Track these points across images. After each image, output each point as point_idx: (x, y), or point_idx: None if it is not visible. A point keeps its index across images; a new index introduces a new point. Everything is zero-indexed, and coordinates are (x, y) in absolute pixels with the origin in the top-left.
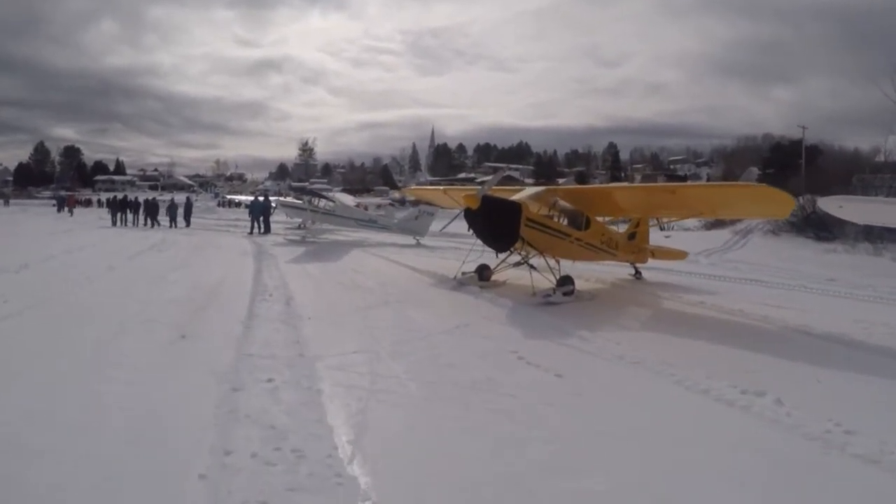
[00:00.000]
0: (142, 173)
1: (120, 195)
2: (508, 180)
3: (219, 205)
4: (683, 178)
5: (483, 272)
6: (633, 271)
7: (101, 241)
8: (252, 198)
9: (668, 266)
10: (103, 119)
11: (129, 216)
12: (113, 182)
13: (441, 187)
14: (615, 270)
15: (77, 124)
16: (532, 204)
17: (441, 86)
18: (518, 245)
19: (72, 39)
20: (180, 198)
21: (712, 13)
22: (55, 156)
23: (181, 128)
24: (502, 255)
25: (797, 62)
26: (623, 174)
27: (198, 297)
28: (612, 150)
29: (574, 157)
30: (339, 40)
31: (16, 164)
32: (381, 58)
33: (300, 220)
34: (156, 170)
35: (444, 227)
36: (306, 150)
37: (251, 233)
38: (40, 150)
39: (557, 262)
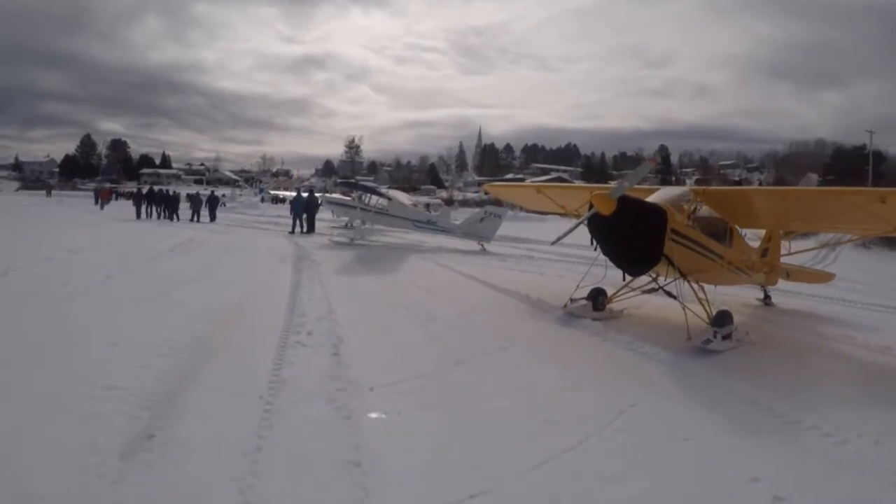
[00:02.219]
0: (188, 167)
1: (145, 188)
2: (559, 181)
3: (262, 200)
4: (738, 183)
5: (598, 298)
6: (761, 295)
7: (118, 239)
8: (294, 193)
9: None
10: (150, 114)
11: (154, 210)
12: (158, 175)
13: (533, 183)
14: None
15: (124, 118)
16: (674, 210)
17: (485, 85)
18: (660, 267)
19: (118, 35)
20: (207, 192)
21: (759, 13)
22: (102, 149)
23: (226, 123)
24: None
25: (847, 65)
26: (674, 178)
27: (199, 337)
28: (664, 152)
29: (622, 160)
30: (382, 37)
31: (63, 156)
32: (425, 55)
33: (347, 218)
34: (202, 164)
35: (559, 238)
36: (353, 147)
37: (293, 232)
38: (87, 143)
39: (702, 288)
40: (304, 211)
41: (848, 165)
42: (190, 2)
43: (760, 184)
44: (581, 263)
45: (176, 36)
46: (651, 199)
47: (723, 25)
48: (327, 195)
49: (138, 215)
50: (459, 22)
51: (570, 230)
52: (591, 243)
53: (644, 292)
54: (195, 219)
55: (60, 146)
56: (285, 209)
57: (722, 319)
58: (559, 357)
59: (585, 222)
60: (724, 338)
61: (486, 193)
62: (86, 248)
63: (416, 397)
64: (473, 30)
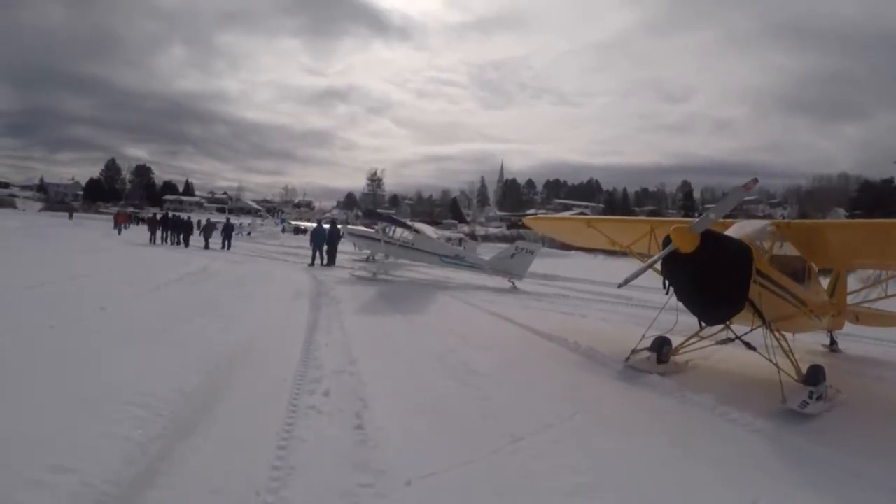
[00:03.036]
0: (210, 195)
1: (160, 213)
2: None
3: (283, 231)
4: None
5: (663, 349)
6: (826, 340)
7: (127, 265)
8: (315, 224)
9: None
10: (174, 141)
11: (168, 235)
12: (181, 202)
13: (581, 216)
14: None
15: (149, 145)
16: (756, 248)
17: (505, 120)
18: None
19: (144, 62)
20: (221, 219)
21: (777, 45)
22: (126, 174)
23: (249, 153)
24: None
25: (866, 96)
26: (697, 213)
27: (189, 394)
28: (686, 188)
29: (644, 195)
30: (404, 71)
31: (87, 179)
32: (446, 89)
33: (369, 251)
34: (225, 193)
35: (628, 281)
36: (375, 180)
37: (312, 264)
38: (111, 168)
39: (784, 337)
40: (326, 242)
41: (876, 199)
42: (215, 32)
43: (783, 219)
44: (621, 303)
45: (201, 65)
46: (728, 234)
47: (740, 58)
48: (349, 227)
49: (152, 240)
50: (479, 56)
51: (643, 270)
52: (664, 285)
53: (718, 343)
54: (207, 246)
55: (85, 170)
56: (306, 240)
57: (815, 376)
58: (637, 428)
59: (659, 262)
60: (818, 398)
61: (521, 227)
62: (88, 274)
63: (471, 493)
64: (493, 64)
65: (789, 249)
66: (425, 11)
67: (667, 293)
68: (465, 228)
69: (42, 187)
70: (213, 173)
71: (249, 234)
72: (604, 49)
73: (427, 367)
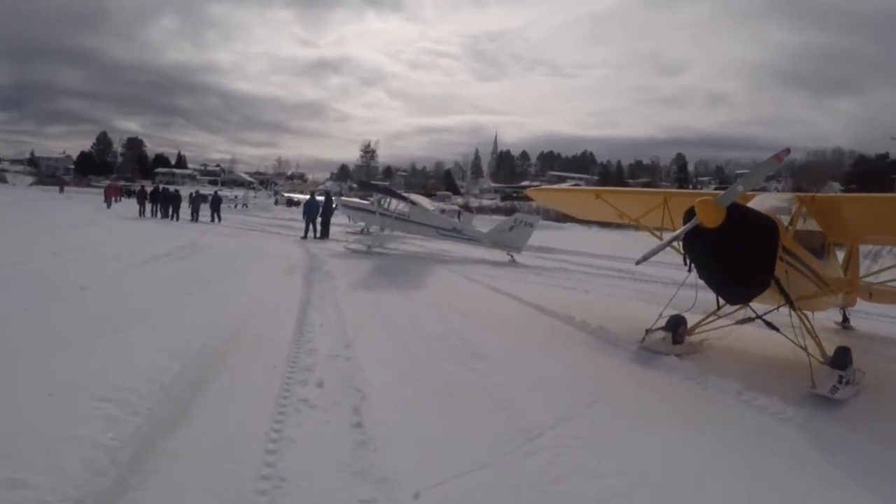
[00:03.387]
0: (203, 168)
1: (150, 186)
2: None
3: (276, 203)
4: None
5: (677, 329)
6: (839, 317)
7: (114, 240)
8: (308, 196)
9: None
10: (166, 113)
11: (158, 208)
12: (173, 175)
13: (588, 188)
14: None
15: (141, 117)
16: (781, 223)
17: (499, 91)
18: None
19: (134, 34)
20: (210, 191)
21: (774, 19)
22: (117, 147)
23: (241, 125)
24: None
25: (863, 72)
26: (691, 187)
27: (168, 386)
28: (680, 161)
29: (638, 168)
30: (397, 42)
31: (79, 153)
32: (439, 61)
33: (363, 224)
34: (217, 165)
35: (646, 257)
36: (368, 151)
37: (305, 237)
38: (102, 141)
39: (804, 315)
40: (319, 215)
41: (871, 174)
42: (205, 3)
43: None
44: (623, 278)
45: (192, 36)
46: (752, 204)
47: (737, 32)
48: (343, 198)
49: (141, 213)
50: (473, 27)
51: (663, 246)
52: (685, 262)
53: (737, 322)
54: (195, 218)
55: (77, 143)
56: (299, 212)
57: (843, 359)
58: (662, 419)
59: (681, 237)
60: (846, 383)
61: (516, 198)
62: (73, 250)
63: None
64: (487, 35)
65: (810, 224)
66: None
67: (689, 270)
68: (460, 200)
69: (33, 161)
70: (206, 145)
71: (245, 206)
72: (600, 20)
73: (429, 350)
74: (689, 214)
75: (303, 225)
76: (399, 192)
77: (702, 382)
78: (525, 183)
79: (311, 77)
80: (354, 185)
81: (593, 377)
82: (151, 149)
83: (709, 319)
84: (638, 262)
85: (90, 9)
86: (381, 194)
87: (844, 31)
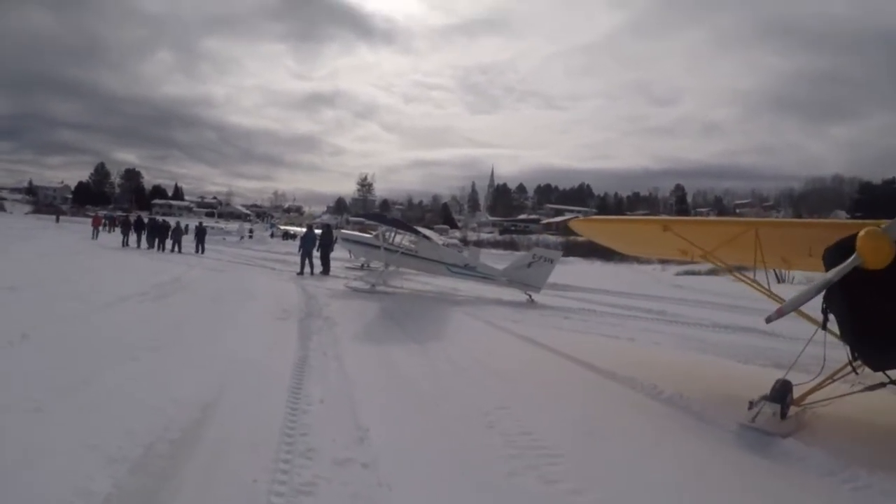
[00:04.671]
0: (200, 200)
1: (133, 216)
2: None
3: (272, 236)
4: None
5: (785, 399)
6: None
7: (89, 274)
8: (304, 230)
9: None
10: (163, 146)
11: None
12: (170, 206)
13: (654, 217)
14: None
15: (138, 149)
16: None
17: (492, 124)
18: None
19: (130, 67)
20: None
21: (767, 43)
22: (115, 178)
23: (237, 158)
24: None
25: (856, 96)
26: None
27: None
28: (679, 192)
29: (636, 200)
30: (389, 75)
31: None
32: (432, 93)
33: (364, 259)
34: (214, 197)
35: (782, 313)
36: (365, 185)
37: (301, 273)
38: (100, 171)
39: None
40: (317, 249)
41: (877, 201)
42: (200, 37)
43: None
44: (660, 320)
45: (187, 70)
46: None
47: (728, 59)
48: (344, 232)
49: (124, 243)
50: (465, 59)
51: (812, 294)
52: (823, 313)
53: (867, 389)
54: (177, 250)
55: (75, 173)
56: (294, 245)
57: None
58: None
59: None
60: None
61: (515, 232)
62: (34, 284)
63: None
64: (479, 67)
65: None
66: (409, 14)
67: (825, 323)
68: (457, 234)
69: (31, 190)
70: (202, 178)
71: (250, 236)
72: (590, 51)
73: (475, 444)
74: (841, 250)
75: (299, 259)
76: (409, 224)
77: (849, 481)
78: (523, 216)
79: (306, 110)
80: (349, 219)
81: (709, 483)
82: (149, 180)
83: (826, 384)
84: (770, 320)
85: (86, 43)
86: (389, 226)
87: (836, 53)
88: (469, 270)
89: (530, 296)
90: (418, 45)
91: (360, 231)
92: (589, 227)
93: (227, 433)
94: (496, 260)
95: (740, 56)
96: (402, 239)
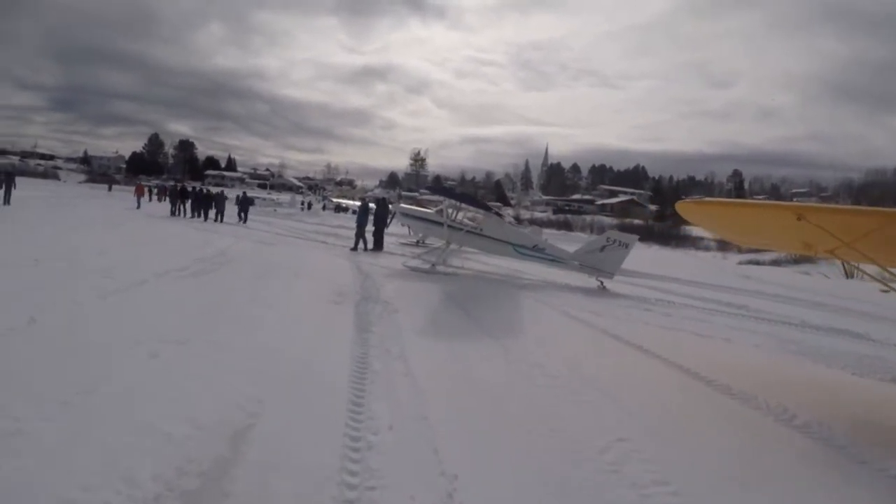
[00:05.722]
0: (253, 171)
1: (179, 185)
2: (632, 204)
3: (323, 208)
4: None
5: None
6: None
7: (127, 246)
8: (359, 203)
9: None
10: (216, 117)
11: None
12: (223, 177)
13: (785, 203)
14: None
15: (191, 121)
16: None
17: (545, 102)
18: None
19: (183, 39)
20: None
21: (826, 28)
22: (169, 148)
23: (289, 131)
24: None
25: None
26: None
27: None
28: (737, 178)
29: (691, 184)
30: (442, 50)
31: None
32: (485, 69)
33: (420, 235)
34: (267, 169)
35: None
36: (418, 160)
37: (355, 249)
38: (154, 142)
39: None
40: (373, 224)
41: None
42: (252, 9)
43: None
44: (744, 316)
45: (239, 42)
46: None
47: (787, 42)
48: (404, 206)
49: (173, 213)
50: (518, 35)
51: None
52: None
53: None
54: (219, 219)
55: (130, 144)
56: (347, 218)
57: None
58: None
59: None
60: None
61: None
62: (62, 257)
63: None
64: (532, 44)
65: None
66: None
67: None
68: (510, 212)
69: (86, 160)
70: (255, 150)
71: (309, 207)
72: (645, 31)
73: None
74: None
75: (351, 233)
76: (478, 199)
77: None
78: (576, 196)
79: (357, 84)
80: (401, 193)
81: None
82: (202, 151)
83: None
84: None
85: (140, 15)
86: (459, 202)
87: None
88: (537, 252)
89: (602, 282)
90: (470, 21)
91: (416, 205)
92: (700, 212)
93: (263, 482)
94: (551, 240)
95: (798, 40)
96: (464, 216)
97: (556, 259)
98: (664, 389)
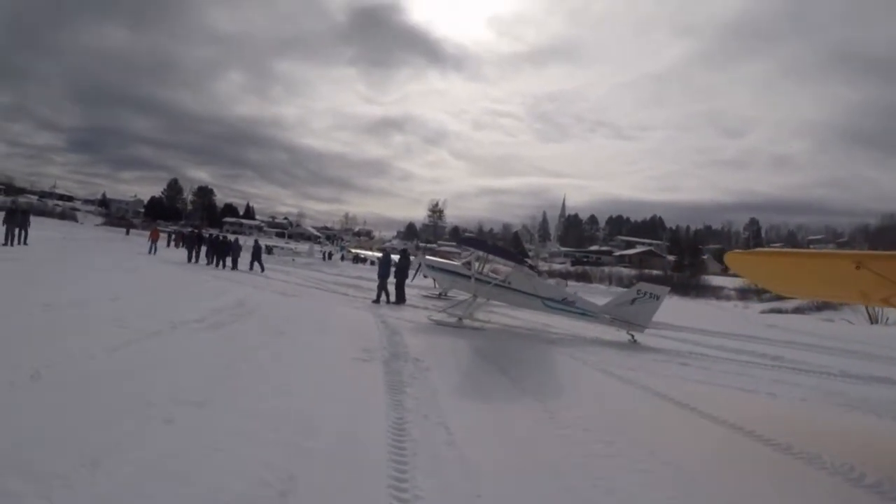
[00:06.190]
0: (271, 220)
1: (196, 231)
2: (650, 255)
3: (342, 259)
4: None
5: None
6: None
7: (142, 292)
8: (380, 254)
9: None
10: (235, 165)
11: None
12: (241, 225)
13: (842, 252)
14: None
15: (211, 168)
16: None
17: (562, 153)
18: None
19: (203, 86)
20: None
21: (837, 76)
22: (187, 194)
23: (308, 180)
24: None
25: None
26: None
27: None
28: (754, 226)
29: (707, 234)
30: (459, 101)
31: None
32: (502, 121)
33: (442, 288)
34: (285, 218)
35: None
36: (436, 211)
37: (377, 301)
38: (173, 187)
39: None
40: (394, 276)
41: None
42: (272, 59)
43: None
44: (779, 367)
45: (259, 91)
46: None
47: (799, 90)
48: (430, 258)
49: (189, 259)
50: (534, 87)
51: None
52: None
53: None
54: (220, 265)
55: (148, 188)
56: (366, 269)
57: None
58: None
59: None
60: None
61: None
62: (74, 304)
63: None
64: (548, 95)
65: None
66: (478, 41)
67: None
68: (529, 263)
69: (104, 202)
70: (273, 198)
71: (330, 256)
72: (659, 81)
73: None
74: None
75: (370, 284)
76: (509, 249)
77: None
78: (594, 247)
79: (375, 134)
80: (419, 245)
81: None
82: (221, 198)
83: None
84: None
85: (162, 60)
86: (483, 252)
87: None
88: (566, 305)
89: (633, 336)
90: (487, 72)
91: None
92: (751, 262)
93: None
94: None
95: (811, 87)
96: (489, 268)
97: (586, 313)
98: (721, 452)
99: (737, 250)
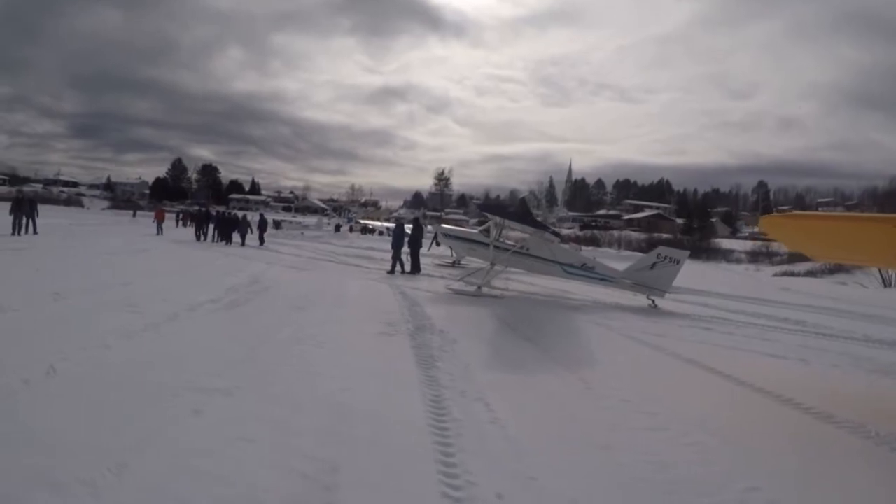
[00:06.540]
0: (277, 195)
1: (203, 209)
2: (659, 218)
3: (350, 230)
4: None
5: None
6: None
7: (158, 275)
8: (392, 224)
9: None
10: (238, 141)
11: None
12: (247, 201)
13: (882, 216)
14: None
15: (214, 145)
16: None
17: (566, 117)
18: None
19: (202, 65)
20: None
21: (845, 35)
22: (192, 173)
23: (312, 153)
24: None
25: None
26: None
27: None
28: (762, 189)
29: (715, 197)
30: (461, 67)
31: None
32: (504, 86)
33: (456, 256)
34: (291, 192)
35: None
36: (442, 179)
37: (392, 272)
38: (177, 167)
39: None
40: (408, 245)
41: None
42: (269, 33)
43: None
44: (803, 332)
45: (258, 66)
46: None
47: (806, 51)
48: (445, 226)
49: (197, 237)
50: (536, 51)
51: None
52: None
53: None
54: (226, 243)
55: (153, 169)
56: (375, 240)
57: None
58: None
59: None
60: None
61: (595, 228)
62: (84, 290)
63: None
64: (551, 59)
65: None
66: (478, 6)
67: None
68: (552, 230)
69: (109, 186)
70: (278, 173)
71: (338, 230)
72: (663, 43)
73: None
74: None
75: (383, 254)
76: (533, 216)
77: None
78: (602, 212)
79: (378, 104)
80: (426, 213)
81: None
82: (226, 175)
83: None
84: None
85: (159, 41)
86: (506, 218)
87: None
88: (586, 271)
89: (653, 301)
90: (489, 38)
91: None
92: (788, 226)
93: None
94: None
95: (818, 48)
96: (507, 235)
97: (606, 278)
98: (766, 423)
99: (774, 213)
